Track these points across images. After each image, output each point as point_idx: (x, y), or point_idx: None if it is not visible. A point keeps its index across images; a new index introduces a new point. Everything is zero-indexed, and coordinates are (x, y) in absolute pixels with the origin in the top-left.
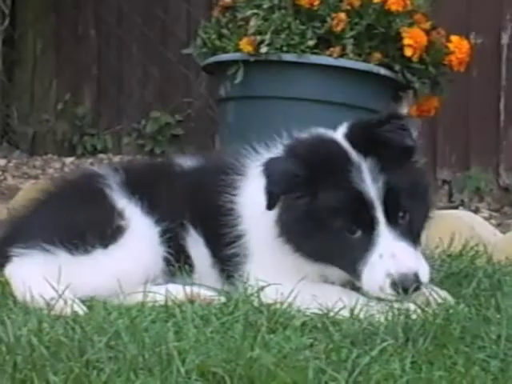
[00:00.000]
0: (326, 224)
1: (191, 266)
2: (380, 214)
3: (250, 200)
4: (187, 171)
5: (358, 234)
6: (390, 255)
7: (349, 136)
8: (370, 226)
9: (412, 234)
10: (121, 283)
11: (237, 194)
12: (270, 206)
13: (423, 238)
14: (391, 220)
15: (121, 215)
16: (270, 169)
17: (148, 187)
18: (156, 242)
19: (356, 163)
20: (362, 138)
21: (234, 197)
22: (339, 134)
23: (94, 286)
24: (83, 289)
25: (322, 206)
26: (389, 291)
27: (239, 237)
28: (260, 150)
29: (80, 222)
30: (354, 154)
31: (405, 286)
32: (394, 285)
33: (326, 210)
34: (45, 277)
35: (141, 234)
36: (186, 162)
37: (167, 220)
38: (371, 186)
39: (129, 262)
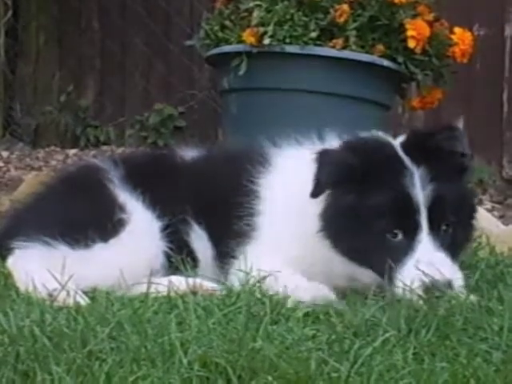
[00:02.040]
0: (368, 224)
1: (194, 259)
2: (424, 221)
3: (271, 188)
4: (190, 163)
5: (399, 237)
6: (428, 262)
7: (404, 144)
8: (412, 232)
9: (452, 248)
10: (120, 278)
11: (258, 183)
12: (314, 194)
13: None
14: (434, 229)
15: (122, 209)
16: (324, 158)
17: (149, 181)
18: (157, 237)
19: (409, 169)
20: (417, 146)
21: (253, 186)
22: (397, 141)
23: (94, 280)
24: (83, 283)
25: (369, 204)
26: (420, 294)
27: (251, 214)
28: (282, 144)
29: (81, 216)
30: (407, 160)
31: (436, 290)
32: (426, 289)
33: (373, 209)
34: (47, 268)
35: (142, 228)
36: (189, 153)
37: (169, 214)
38: (420, 192)
39: (129, 257)
